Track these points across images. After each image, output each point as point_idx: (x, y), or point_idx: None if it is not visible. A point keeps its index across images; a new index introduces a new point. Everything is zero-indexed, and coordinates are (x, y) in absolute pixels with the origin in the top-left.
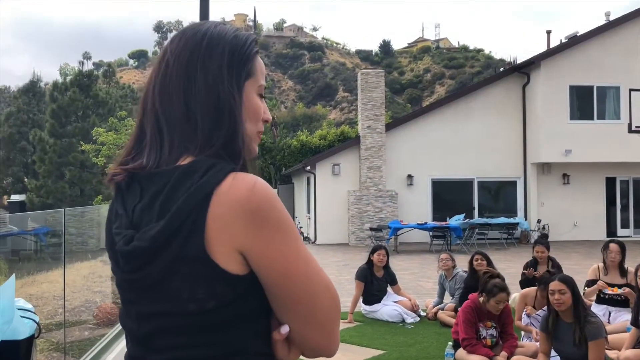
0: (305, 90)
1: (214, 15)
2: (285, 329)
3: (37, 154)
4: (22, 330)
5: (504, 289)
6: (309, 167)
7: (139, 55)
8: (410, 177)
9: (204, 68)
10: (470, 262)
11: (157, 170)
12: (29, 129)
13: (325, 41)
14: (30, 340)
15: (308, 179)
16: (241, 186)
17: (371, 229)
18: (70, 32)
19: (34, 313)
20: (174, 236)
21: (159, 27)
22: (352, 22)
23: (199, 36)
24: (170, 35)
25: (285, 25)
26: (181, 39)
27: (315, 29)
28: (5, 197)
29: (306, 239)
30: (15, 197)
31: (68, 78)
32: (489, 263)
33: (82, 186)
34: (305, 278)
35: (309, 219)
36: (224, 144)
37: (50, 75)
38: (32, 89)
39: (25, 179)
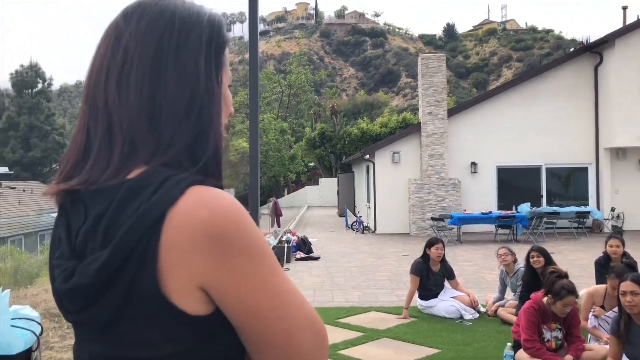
0: (367, 77)
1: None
2: None
3: None
4: (15, 344)
5: (572, 291)
6: (367, 156)
7: None
8: (474, 164)
9: (177, 57)
10: (527, 259)
11: (102, 185)
12: None
13: (387, 27)
14: (27, 355)
15: (367, 167)
16: (200, 205)
17: (432, 218)
18: None
19: (38, 323)
20: (120, 271)
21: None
22: (415, 7)
23: (166, 17)
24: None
25: (346, 12)
26: (141, 18)
27: (376, 15)
28: None
29: (366, 228)
30: None
31: None
32: (547, 259)
33: None
34: (281, 315)
35: (369, 208)
36: (187, 148)
37: None
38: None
39: None
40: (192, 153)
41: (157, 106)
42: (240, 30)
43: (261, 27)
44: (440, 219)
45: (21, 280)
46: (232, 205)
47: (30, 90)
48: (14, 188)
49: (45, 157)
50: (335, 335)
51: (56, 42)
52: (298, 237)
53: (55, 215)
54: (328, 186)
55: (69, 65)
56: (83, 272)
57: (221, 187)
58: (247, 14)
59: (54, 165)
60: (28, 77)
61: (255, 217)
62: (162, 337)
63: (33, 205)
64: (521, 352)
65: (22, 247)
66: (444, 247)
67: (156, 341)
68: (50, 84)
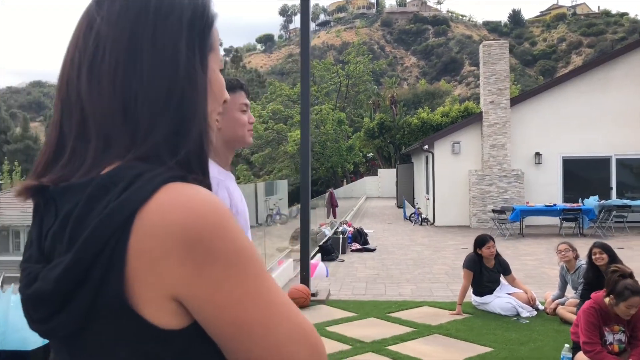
0: (429, 65)
1: None
2: None
3: None
4: (31, 339)
5: (637, 292)
6: (426, 146)
7: (266, 40)
8: (538, 155)
9: (153, 40)
10: (589, 255)
11: (72, 182)
12: None
13: (450, 14)
14: (45, 350)
15: (427, 158)
16: (174, 205)
17: (494, 210)
18: None
19: None
20: (85, 278)
21: (284, 11)
22: None
23: None
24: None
25: (407, 0)
26: (114, 0)
27: (439, 2)
28: None
29: (424, 220)
30: None
31: None
32: (612, 256)
33: None
34: (269, 326)
35: (428, 199)
36: (166, 140)
37: None
38: None
39: None
40: (173, 146)
41: (132, 96)
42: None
43: (322, 17)
44: (501, 211)
45: None
46: (212, 205)
47: None
48: None
49: None
50: (384, 329)
51: None
52: (354, 228)
53: None
54: (387, 177)
55: None
56: (45, 278)
57: (207, 185)
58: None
59: None
60: None
61: (306, 209)
62: (130, 354)
63: None
64: (580, 355)
65: None
66: (494, 242)
67: (124, 358)
68: None
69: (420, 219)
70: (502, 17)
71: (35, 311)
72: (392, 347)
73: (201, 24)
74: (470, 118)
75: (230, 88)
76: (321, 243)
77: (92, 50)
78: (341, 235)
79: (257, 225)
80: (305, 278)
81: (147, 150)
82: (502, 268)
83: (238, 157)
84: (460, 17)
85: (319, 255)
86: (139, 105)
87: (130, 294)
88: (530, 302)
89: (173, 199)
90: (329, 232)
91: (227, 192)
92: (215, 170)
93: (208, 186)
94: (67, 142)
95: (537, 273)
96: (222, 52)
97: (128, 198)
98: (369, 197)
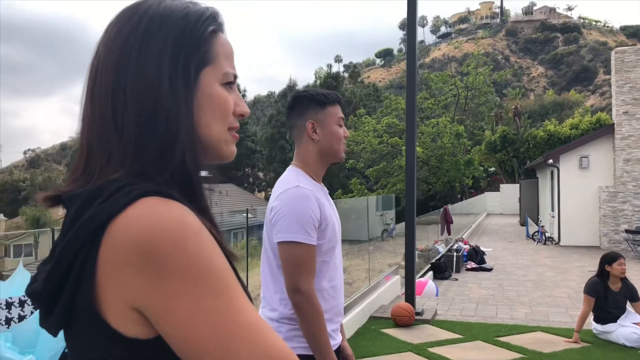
0: (558, 75)
1: (454, 8)
2: None
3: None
4: None
5: None
6: (551, 160)
7: (385, 54)
8: None
9: (138, 61)
10: None
11: (75, 191)
12: (287, 129)
13: (582, 20)
14: None
15: (552, 173)
16: (138, 218)
17: (627, 231)
18: (327, 40)
19: None
20: (64, 281)
21: (403, 25)
22: None
23: (135, 19)
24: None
25: (535, 8)
26: (115, 25)
27: (570, 9)
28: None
29: (549, 239)
30: None
31: (317, 82)
32: None
33: (330, 180)
34: (226, 349)
35: (553, 217)
36: (155, 157)
37: (306, 79)
38: (289, 92)
39: None
40: (160, 163)
41: (120, 116)
42: (421, 35)
43: (443, 29)
44: (637, 231)
45: None
46: (177, 220)
47: None
48: (212, 190)
49: (239, 162)
50: (491, 354)
51: (246, 55)
52: (470, 246)
53: (244, 215)
54: (509, 193)
55: (260, 76)
56: (39, 279)
57: (199, 200)
58: (427, 18)
59: (246, 170)
60: None
61: (412, 225)
62: (102, 358)
63: (227, 205)
64: None
65: None
66: (624, 260)
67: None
68: (244, 95)
69: (544, 237)
70: None
71: (37, 309)
72: None
73: (190, 39)
74: (600, 130)
75: (328, 102)
76: (433, 260)
77: (94, 74)
78: (455, 253)
79: (369, 241)
80: (410, 296)
81: (137, 167)
82: (630, 293)
83: (353, 170)
84: (593, 22)
85: (430, 273)
86: (126, 125)
87: (99, 301)
88: None
89: (140, 212)
90: (442, 249)
91: (317, 202)
92: (306, 182)
93: (198, 201)
94: (85, 156)
95: None
96: (341, 69)
97: (102, 208)
98: (490, 214)
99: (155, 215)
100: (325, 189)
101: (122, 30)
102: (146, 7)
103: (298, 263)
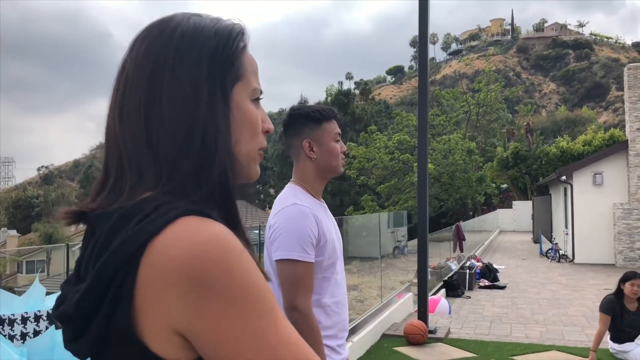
0: (570, 92)
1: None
2: None
3: None
4: None
5: None
6: (564, 177)
7: (396, 71)
8: None
9: (173, 79)
10: None
11: (105, 209)
12: None
13: (593, 37)
14: None
15: (565, 190)
16: (179, 240)
17: None
18: (338, 57)
19: None
20: (99, 304)
21: (414, 42)
22: (627, 13)
23: (165, 36)
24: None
25: (546, 25)
26: (143, 41)
27: (581, 25)
28: None
29: (563, 257)
30: None
31: (329, 98)
32: None
33: (341, 197)
34: None
35: (566, 234)
36: (192, 174)
37: (317, 96)
38: None
39: None
40: (197, 181)
41: (154, 134)
42: (432, 52)
43: (453, 46)
44: None
45: None
46: (219, 241)
47: None
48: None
49: None
50: None
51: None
52: (483, 264)
53: (256, 232)
54: (522, 210)
55: (271, 93)
56: (69, 301)
57: (234, 219)
58: (438, 35)
59: (257, 186)
60: None
61: (424, 243)
62: None
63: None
64: None
65: None
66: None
67: None
68: None
69: (557, 255)
70: None
71: (64, 331)
72: None
73: (224, 55)
74: (613, 147)
75: (324, 118)
76: (446, 278)
77: (122, 91)
78: (468, 271)
79: (380, 258)
80: (422, 314)
81: (173, 184)
82: None
83: (365, 187)
84: (605, 39)
85: (443, 291)
86: (161, 143)
87: (138, 324)
88: None
89: (181, 233)
90: (455, 266)
91: (315, 219)
92: (304, 199)
93: (234, 219)
94: (111, 174)
95: None
96: (352, 86)
97: (140, 229)
98: (502, 231)
99: (196, 235)
100: (325, 204)
101: (152, 47)
102: (175, 24)
103: (295, 281)
